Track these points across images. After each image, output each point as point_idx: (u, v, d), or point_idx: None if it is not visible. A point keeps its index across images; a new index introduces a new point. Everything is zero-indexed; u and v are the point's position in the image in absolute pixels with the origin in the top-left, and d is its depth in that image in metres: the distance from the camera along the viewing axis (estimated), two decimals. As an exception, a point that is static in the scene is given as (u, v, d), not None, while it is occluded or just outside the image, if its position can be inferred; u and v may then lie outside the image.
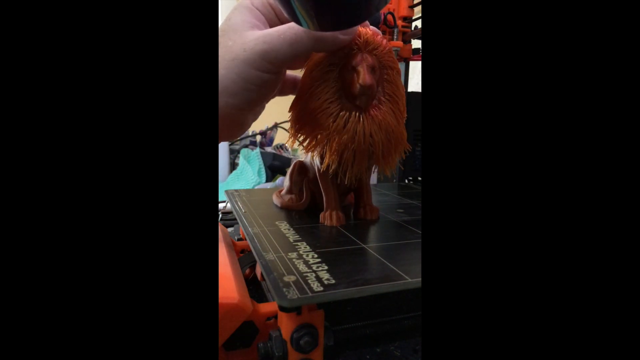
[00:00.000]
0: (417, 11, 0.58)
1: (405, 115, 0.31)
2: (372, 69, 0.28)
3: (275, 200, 0.40)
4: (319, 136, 0.29)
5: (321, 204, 0.36)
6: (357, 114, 0.29)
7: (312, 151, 0.30)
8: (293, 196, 0.38)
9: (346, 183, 0.32)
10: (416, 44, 0.60)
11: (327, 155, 0.29)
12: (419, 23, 0.58)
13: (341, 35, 0.26)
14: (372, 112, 0.29)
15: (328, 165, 0.30)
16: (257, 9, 0.28)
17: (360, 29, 0.28)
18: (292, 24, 0.25)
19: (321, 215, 0.34)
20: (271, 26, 0.28)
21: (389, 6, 0.56)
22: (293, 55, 0.25)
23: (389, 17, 0.54)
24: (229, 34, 0.26)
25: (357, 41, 0.28)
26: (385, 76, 0.30)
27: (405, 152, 0.32)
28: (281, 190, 0.40)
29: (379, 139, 0.29)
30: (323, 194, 0.35)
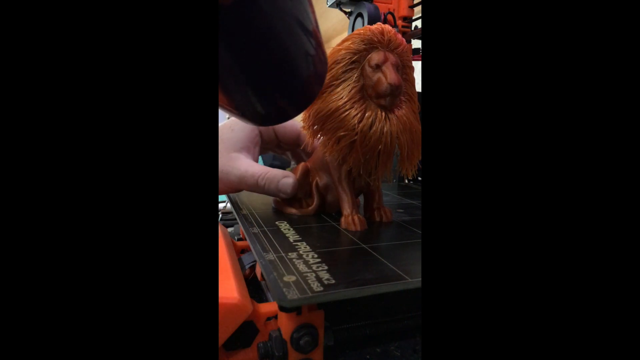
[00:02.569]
0: (417, 11, 0.58)
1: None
2: (397, 68, 0.28)
3: (277, 205, 0.38)
4: (342, 137, 0.28)
5: (329, 208, 0.36)
6: (384, 114, 0.28)
7: (333, 152, 0.29)
8: (302, 202, 0.36)
9: (371, 185, 0.31)
10: (416, 44, 0.60)
11: (351, 157, 0.28)
12: (419, 23, 0.58)
13: (280, 194, 0.36)
14: (397, 112, 0.29)
15: (350, 168, 0.29)
16: (258, 131, 0.41)
17: (382, 26, 0.28)
18: (260, 172, 0.36)
19: (342, 221, 0.32)
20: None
21: (389, 6, 0.56)
22: (249, 190, 0.38)
23: (389, 17, 0.54)
24: (222, 147, 0.38)
25: (380, 39, 0.28)
26: (404, 75, 0.30)
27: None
28: None
29: (404, 139, 0.28)
30: (341, 197, 0.33)
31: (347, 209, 0.32)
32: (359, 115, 0.27)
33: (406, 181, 0.59)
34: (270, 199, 0.41)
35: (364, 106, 0.28)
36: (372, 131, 0.27)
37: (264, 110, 0.21)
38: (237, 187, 0.38)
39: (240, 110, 0.21)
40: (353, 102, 0.28)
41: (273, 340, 0.21)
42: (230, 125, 0.39)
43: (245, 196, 0.43)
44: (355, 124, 0.27)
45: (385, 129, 0.28)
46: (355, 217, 0.32)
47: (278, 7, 0.17)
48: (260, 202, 0.40)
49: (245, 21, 0.15)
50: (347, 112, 0.28)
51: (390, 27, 0.28)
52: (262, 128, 0.41)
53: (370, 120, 0.27)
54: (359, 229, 0.31)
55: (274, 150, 0.45)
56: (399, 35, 0.29)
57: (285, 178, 0.35)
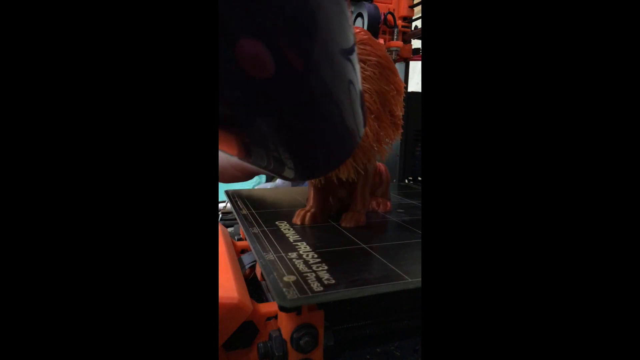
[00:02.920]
0: (417, 11, 0.58)
1: (394, 115, 0.30)
2: None
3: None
4: None
5: (333, 207, 0.36)
6: None
7: None
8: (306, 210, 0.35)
9: (315, 183, 0.31)
10: (416, 44, 0.60)
11: None
12: (419, 23, 0.58)
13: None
14: None
15: None
16: None
17: None
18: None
19: (295, 214, 0.34)
20: None
21: (389, 6, 0.56)
22: (260, 172, 0.37)
23: (389, 17, 0.54)
24: None
25: None
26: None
27: (403, 155, 0.31)
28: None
29: None
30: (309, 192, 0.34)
31: (307, 204, 0.34)
32: None
33: (406, 181, 0.59)
34: (270, 199, 0.41)
35: None
36: None
37: (295, 176, 0.21)
38: (243, 165, 0.37)
39: (262, 168, 0.20)
40: None
41: (273, 340, 0.21)
42: None
43: (245, 196, 0.43)
44: None
45: None
46: (302, 212, 0.33)
47: (338, 72, 0.16)
48: (260, 202, 0.40)
49: (311, 90, 0.15)
50: None
51: None
52: None
53: None
54: (298, 222, 0.32)
55: None
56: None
57: None
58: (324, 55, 0.14)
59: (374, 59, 0.28)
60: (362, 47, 0.28)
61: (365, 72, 0.28)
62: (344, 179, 0.30)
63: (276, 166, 0.19)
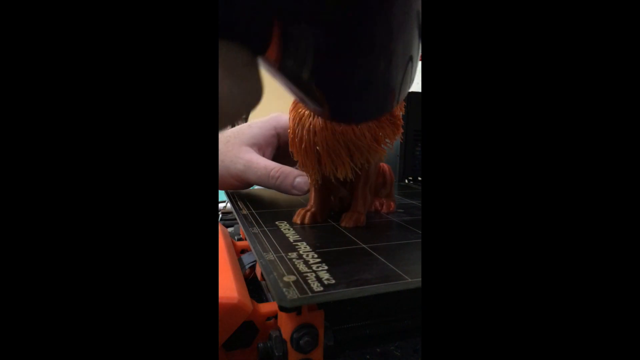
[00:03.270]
0: (417, 11, 0.57)
1: (394, 116, 0.29)
2: None
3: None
4: (289, 133, 0.29)
5: (335, 206, 0.36)
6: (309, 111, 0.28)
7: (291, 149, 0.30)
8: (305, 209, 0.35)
9: (313, 182, 0.31)
10: (416, 44, 0.60)
11: (294, 153, 0.29)
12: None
13: (294, 191, 0.36)
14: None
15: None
16: (275, 132, 0.40)
17: None
18: (273, 166, 0.36)
19: (296, 213, 0.34)
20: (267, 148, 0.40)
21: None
22: (257, 183, 0.37)
23: (389, 17, 0.54)
24: (235, 139, 0.38)
25: None
26: None
27: (403, 155, 0.31)
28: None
29: (322, 137, 0.27)
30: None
31: (308, 203, 0.34)
32: (293, 113, 0.28)
33: (406, 181, 0.59)
34: (269, 199, 0.41)
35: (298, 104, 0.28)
36: (298, 126, 0.28)
37: (320, 106, 0.20)
38: (243, 177, 0.37)
39: (293, 82, 0.19)
40: (295, 102, 0.28)
41: (273, 340, 0.21)
42: (249, 124, 0.39)
43: (245, 196, 0.43)
44: (290, 121, 0.28)
45: (306, 125, 0.28)
46: (302, 211, 0.33)
47: (406, 26, 0.15)
48: (260, 202, 0.40)
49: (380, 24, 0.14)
50: (291, 111, 0.29)
51: None
52: (281, 132, 0.40)
53: (299, 118, 0.28)
54: (297, 222, 0.33)
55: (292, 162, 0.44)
56: None
57: (302, 176, 0.35)
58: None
59: None
60: None
61: None
62: (342, 179, 0.30)
63: (308, 93, 0.18)
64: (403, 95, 0.21)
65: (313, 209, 0.33)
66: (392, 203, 0.39)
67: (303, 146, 0.28)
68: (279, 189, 0.36)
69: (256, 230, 0.30)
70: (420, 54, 0.18)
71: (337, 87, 0.18)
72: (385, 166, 0.40)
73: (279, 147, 0.41)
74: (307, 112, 0.28)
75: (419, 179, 0.60)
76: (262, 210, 0.37)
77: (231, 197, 0.42)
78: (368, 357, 0.24)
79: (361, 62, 0.16)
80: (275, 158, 0.43)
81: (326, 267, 0.23)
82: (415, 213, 0.38)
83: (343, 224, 0.32)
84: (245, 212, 0.36)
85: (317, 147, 0.28)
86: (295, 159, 0.30)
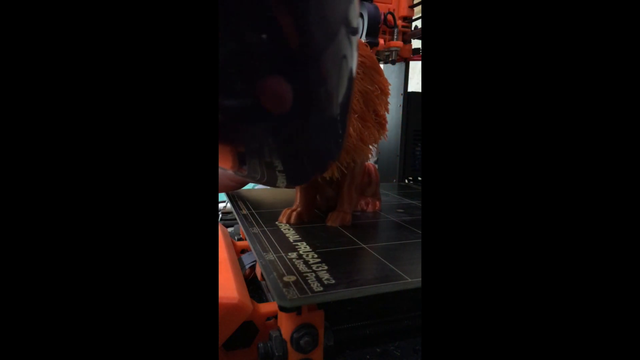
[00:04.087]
0: (417, 11, 0.58)
1: (380, 115, 0.29)
2: None
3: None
4: None
5: (321, 206, 0.36)
6: None
7: None
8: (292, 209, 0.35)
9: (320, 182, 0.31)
10: (416, 44, 0.60)
11: None
12: (419, 23, 0.58)
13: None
14: None
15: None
16: None
17: None
18: None
19: (282, 213, 0.34)
20: None
21: (389, 6, 0.56)
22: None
23: (389, 17, 0.54)
24: None
25: None
26: None
27: (403, 155, 0.31)
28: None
29: None
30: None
31: (294, 203, 0.34)
32: None
33: (406, 181, 0.59)
34: (270, 199, 0.41)
35: None
36: None
37: (287, 183, 0.21)
38: (238, 177, 0.38)
39: (255, 180, 0.20)
40: None
41: (273, 340, 0.21)
42: None
43: (245, 196, 0.43)
44: None
45: None
46: (288, 211, 0.33)
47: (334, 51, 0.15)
48: (260, 202, 0.40)
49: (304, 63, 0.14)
50: None
51: None
52: None
53: None
54: (283, 221, 0.33)
55: None
56: None
57: None
58: (320, 24, 0.14)
59: (358, 59, 0.28)
60: None
61: None
62: (328, 178, 0.30)
63: (269, 175, 0.19)
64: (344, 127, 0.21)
65: (299, 209, 0.33)
66: (377, 202, 0.39)
67: None
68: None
69: (256, 230, 0.30)
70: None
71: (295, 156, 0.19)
72: (370, 165, 0.40)
73: None
74: None
75: (419, 179, 0.60)
76: (262, 210, 0.37)
77: (231, 197, 0.42)
78: (368, 357, 0.24)
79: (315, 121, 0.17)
80: None
81: (326, 267, 0.23)
82: (415, 213, 0.38)
83: (329, 223, 0.33)
84: (245, 212, 0.36)
85: None
86: None
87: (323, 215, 0.35)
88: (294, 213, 0.33)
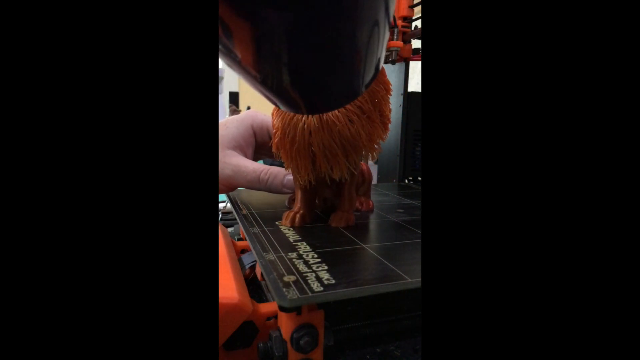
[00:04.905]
0: (417, 11, 0.58)
1: (384, 115, 0.29)
2: None
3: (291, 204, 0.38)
4: (275, 135, 0.29)
5: (318, 207, 0.36)
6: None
7: (274, 149, 0.29)
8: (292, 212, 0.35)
9: (304, 184, 0.30)
10: (416, 44, 0.60)
11: (282, 155, 0.29)
12: (419, 23, 0.58)
13: (285, 190, 0.36)
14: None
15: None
16: (252, 131, 0.40)
17: None
18: (262, 168, 0.36)
19: (283, 216, 0.33)
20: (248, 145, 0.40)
21: (389, 6, 0.56)
22: (247, 187, 0.37)
23: (389, 17, 0.54)
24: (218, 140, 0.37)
25: None
26: None
27: (403, 155, 0.31)
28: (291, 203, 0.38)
29: (319, 139, 0.27)
30: (295, 192, 0.34)
31: (295, 205, 0.33)
32: (282, 113, 0.27)
33: (406, 181, 0.59)
34: (270, 199, 0.41)
35: None
36: (289, 127, 0.27)
37: (297, 104, 0.20)
38: (232, 182, 0.38)
39: (267, 88, 0.19)
40: None
41: (273, 340, 0.21)
42: (224, 123, 0.39)
43: (245, 196, 0.43)
44: (279, 121, 0.28)
45: (299, 125, 0.27)
46: (291, 214, 0.32)
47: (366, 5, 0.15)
48: (260, 202, 0.40)
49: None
50: (277, 111, 0.28)
51: None
52: (257, 130, 0.40)
53: (289, 118, 0.27)
54: (287, 224, 0.32)
55: (268, 154, 0.44)
56: None
57: (289, 175, 0.36)
58: None
59: None
60: None
61: None
62: (337, 180, 0.30)
63: (280, 83, 0.18)
64: (370, 69, 0.21)
65: (302, 211, 0.33)
66: (370, 201, 0.39)
67: (295, 147, 0.27)
68: (269, 189, 0.37)
69: (256, 230, 0.30)
70: (387, 25, 0.18)
71: (311, 74, 0.18)
72: (363, 165, 0.40)
73: (258, 144, 0.42)
74: (298, 115, 0.27)
75: (419, 178, 0.60)
76: (262, 210, 0.37)
77: (231, 197, 0.42)
78: (368, 357, 0.24)
79: (329, 29, 0.16)
80: (259, 155, 0.44)
81: (326, 267, 0.23)
82: (415, 213, 0.38)
83: (334, 224, 0.32)
84: (245, 212, 0.36)
85: (312, 148, 0.27)
86: (281, 160, 0.30)
87: (322, 216, 0.35)
88: (298, 215, 0.32)
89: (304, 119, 0.27)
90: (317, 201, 0.36)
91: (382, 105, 0.29)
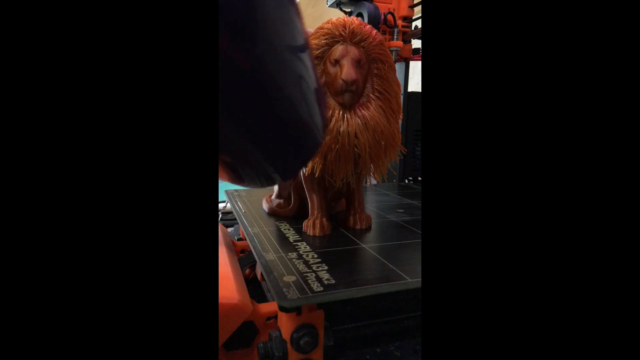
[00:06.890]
0: (417, 11, 0.58)
1: (401, 113, 0.30)
2: (357, 63, 0.26)
3: (264, 205, 0.37)
4: None
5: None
6: (342, 112, 0.27)
7: None
8: (281, 201, 0.36)
9: (337, 187, 0.30)
10: (416, 44, 0.60)
11: (319, 157, 0.28)
12: (419, 23, 0.58)
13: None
14: (358, 110, 0.27)
15: (313, 169, 0.28)
16: None
17: (345, 18, 0.27)
18: None
19: (304, 224, 0.31)
20: None
21: (389, 6, 0.56)
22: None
23: (389, 17, 0.54)
24: None
25: (341, 32, 0.26)
26: (375, 70, 0.28)
27: (401, 154, 0.31)
28: (270, 195, 0.38)
29: (364, 139, 0.27)
30: (309, 199, 0.32)
31: (312, 212, 0.32)
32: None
33: (406, 181, 0.59)
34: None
35: None
36: (327, 130, 0.26)
37: (280, 178, 0.21)
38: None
39: (251, 180, 0.20)
40: None
41: (273, 340, 0.21)
42: None
43: (245, 196, 0.43)
44: None
45: (342, 128, 0.26)
46: (317, 221, 0.30)
47: (285, 67, 0.16)
48: (260, 202, 0.40)
49: (260, 86, 0.15)
50: None
51: (356, 19, 0.27)
52: None
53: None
54: (317, 233, 0.30)
55: None
56: (367, 27, 0.27)
57: None
58: (269, 52, 0.15)
59: (388, 60, 0.29)
60: (382, 48, 0.28)
61: (385, 73, 0.28)
62: (379, 180, 0.31)
63: (264, 176, 0.19)
64: (321, 122, 0.21)
65: (324, 218, 0.32)
66: (369, 215, 0.40)
67: (337, 149, 0.27)
68: None
69: (256, 230, 0.30)
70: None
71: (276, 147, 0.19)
72: None
73: None
74: (337, 115, 0.27)
75: (419, 179, 0.60)
76: (262, 210, 0.37)
77: (231, 197, 0.42)
78: (368, 357, 0.24)
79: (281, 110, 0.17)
80: None
81: (326, 267, 0.23)
82: (415, 213, 0.38)
83: (357, 226, 0.32)
84: (245, 212, 0.36)
85: (356, 149, 0.27)
86: (313, 164, 0.28)
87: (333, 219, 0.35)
88: (321, 222, 0.31)
89: (346, 122, 0.27)
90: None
91: (399, 104, 0.30)
